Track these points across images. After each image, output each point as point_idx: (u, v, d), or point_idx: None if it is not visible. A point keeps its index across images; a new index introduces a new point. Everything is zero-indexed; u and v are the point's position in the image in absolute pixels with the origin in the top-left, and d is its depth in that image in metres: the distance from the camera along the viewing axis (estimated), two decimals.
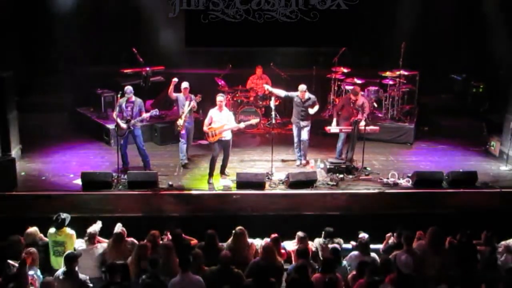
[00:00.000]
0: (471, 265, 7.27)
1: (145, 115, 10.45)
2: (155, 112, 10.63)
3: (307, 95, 10.94)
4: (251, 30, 14.53)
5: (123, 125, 10.28)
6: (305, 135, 11.06)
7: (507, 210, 9.74)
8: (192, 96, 10.74)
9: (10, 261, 7.05)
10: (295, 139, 11.19)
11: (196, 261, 7.05)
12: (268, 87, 11.71)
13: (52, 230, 7.83)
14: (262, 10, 14.45)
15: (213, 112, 10.20)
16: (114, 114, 10.40)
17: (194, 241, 8.03)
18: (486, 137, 12.36)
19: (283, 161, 11.38)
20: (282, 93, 11.34)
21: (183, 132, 10.86)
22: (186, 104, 10.74)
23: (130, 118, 10.34)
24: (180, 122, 10.76)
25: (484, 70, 14.06)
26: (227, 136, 10.26)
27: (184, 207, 9.74)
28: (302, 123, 11.01)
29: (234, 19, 14.46)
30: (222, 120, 10.15)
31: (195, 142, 11.99)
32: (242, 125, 10.53)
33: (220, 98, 10.19)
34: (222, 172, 10.59)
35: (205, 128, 10.15)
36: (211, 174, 10.34)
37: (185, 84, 10.80)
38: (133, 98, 10.40)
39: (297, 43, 14.72)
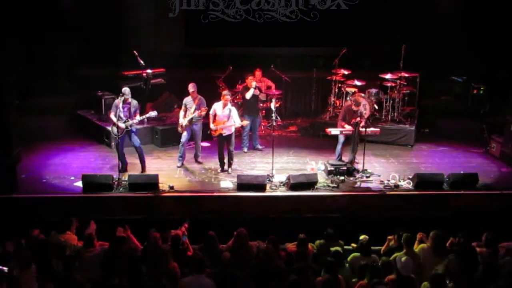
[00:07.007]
0: (471, 267, 7.26)
1: (145, 116, 10.62)
2: (154, 113, 10.74)
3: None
4: (251, 30, 14.57)
5: (121, 125, 10.32)
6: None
7: (508, 211, 9.74)
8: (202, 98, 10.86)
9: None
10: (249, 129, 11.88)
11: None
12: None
13: (54, 232, 7.84)
14: (262, 10, 14.49)
15: (216, 107, 10.70)
16: (111, 115, 10.45)
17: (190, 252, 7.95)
18: (487, 139, 12.35)
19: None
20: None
21: (184, 133, 10.90)
22: (193, 107, 10.79)
23: (127, 119, 10.38)
24: (182, 121, 10.82)
25: (485, 72, 14.04)
26: (226, 131, 10.68)
27: (184, 209, 9.74)
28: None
29: (234, 19, 14.50)
30: (224, 116, 10.66)
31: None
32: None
33: (227, 97, 10.68)
34: (229, 166, 10.86)
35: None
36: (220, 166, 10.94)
37: (191, 87, 10.86)
38: (130, 99, 10.46)
39: (297, 43, 14.75)
